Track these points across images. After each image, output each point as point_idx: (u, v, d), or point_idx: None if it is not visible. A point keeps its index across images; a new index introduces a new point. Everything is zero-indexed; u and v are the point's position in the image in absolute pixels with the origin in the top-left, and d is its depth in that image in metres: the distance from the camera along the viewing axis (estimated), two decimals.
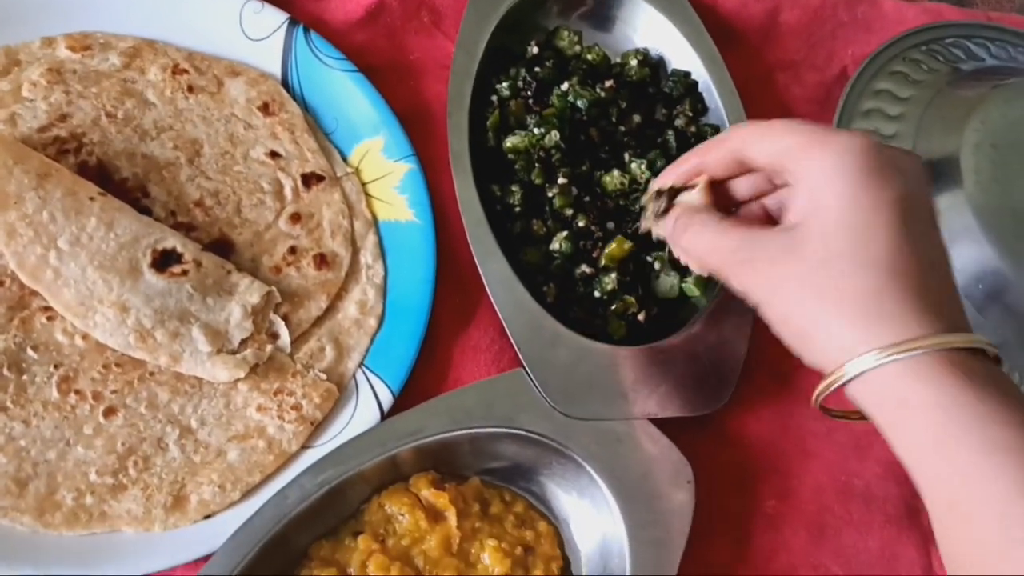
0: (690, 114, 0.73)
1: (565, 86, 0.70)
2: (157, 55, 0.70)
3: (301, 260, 0.66)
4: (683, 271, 0.68)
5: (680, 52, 0.75)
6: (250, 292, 0.63)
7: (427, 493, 0.60)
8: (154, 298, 0.60)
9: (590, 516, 0.61)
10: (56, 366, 0.60)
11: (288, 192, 0.67)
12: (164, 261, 0.62)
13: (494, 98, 0.71)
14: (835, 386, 0.45)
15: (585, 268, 0.67)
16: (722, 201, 0.55)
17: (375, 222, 0.68)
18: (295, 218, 0.67)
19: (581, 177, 0.69)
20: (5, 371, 0.59)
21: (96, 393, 0.60)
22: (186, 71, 0.70)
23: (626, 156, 0.70)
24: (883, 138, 0.74)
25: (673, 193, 0.55)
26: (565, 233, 0.67)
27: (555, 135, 0.68)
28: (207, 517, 0.58)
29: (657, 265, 0.68)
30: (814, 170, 0.47)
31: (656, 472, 0.60)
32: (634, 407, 0.62)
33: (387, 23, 0.75)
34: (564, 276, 0.67)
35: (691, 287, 0.67)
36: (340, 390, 0.62)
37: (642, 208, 0.59)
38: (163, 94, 0.69)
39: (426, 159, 0.69)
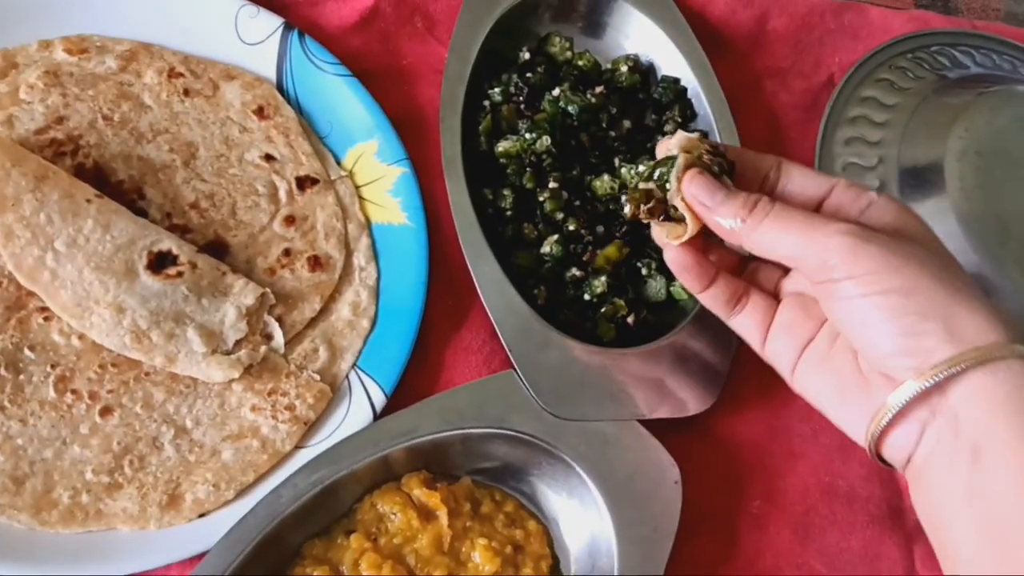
0: (679, 120, 0.74)
1: (556, 92, 0.71)
2: (153, 58, 0.71)
3: (295, 262, 0.66)
4: (671, 275, 0.69)
5: (670, 59, 0.76)
6: (245, 293, 0.63)
7: (419, 492, 0.60)
8: (150, 299, 0.61)
9: (579, 515, 0.62)
10: (53, 366, 0.61)
11: (283, 195, 0.68)
12: (160, 263, 0.62)
13: (486, 103, 0.72)
14: (971, 364, 0.45)
15: (575, 271, 0.68)
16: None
17: (368, 225, 0.69)
18: (289, 220, 0.68)
19: (572, 182, 0.70)
20: (2, 371, 0.60)
21: (92, 393, 0.60)
22: (182, 75, 0.70)
23: (616, 161, 0.71)
24: (869, 145, 0.76)
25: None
26: (556, 237, 0.68)
27: (546, 140, 0.69)
28: (201, 516, 0.59)
29: (645, 270, 0.69)
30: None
31: (644, 472, 0.61)
32: (623, 408, 0.63)
33: (381, 28, 0.76)
34: (555, 279, 0.68)
35: (679, 290, 0.69)
36: (333, 391, 0.63)
37: (657, 167, 0.54)
38: (159, 97, 0.70)
39: (419, 163, 0.70)
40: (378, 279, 0.67)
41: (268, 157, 0.69)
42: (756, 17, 0.79)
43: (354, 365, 0.64)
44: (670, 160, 0.53)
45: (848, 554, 0.65)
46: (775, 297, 0.56)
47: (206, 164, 0.68)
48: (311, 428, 0.62)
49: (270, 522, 0.58)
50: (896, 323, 0.46)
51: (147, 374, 0.61)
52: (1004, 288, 0.68)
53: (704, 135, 0.54)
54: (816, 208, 0.52)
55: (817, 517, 0.66)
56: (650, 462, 0.62)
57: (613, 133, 0.72)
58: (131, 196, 0.66)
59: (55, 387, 0.60)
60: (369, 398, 0.62)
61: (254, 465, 0.60)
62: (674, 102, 0.75)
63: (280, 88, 0.72)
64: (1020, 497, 0.44)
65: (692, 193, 0.52)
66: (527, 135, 0.69)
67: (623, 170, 0.69)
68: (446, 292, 0.68)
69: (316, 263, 0.66)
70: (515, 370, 0.63)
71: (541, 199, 0.69)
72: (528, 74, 0.73)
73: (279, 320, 0.64)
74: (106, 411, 0.60)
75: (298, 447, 0.61)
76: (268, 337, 0.64)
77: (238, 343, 0.63)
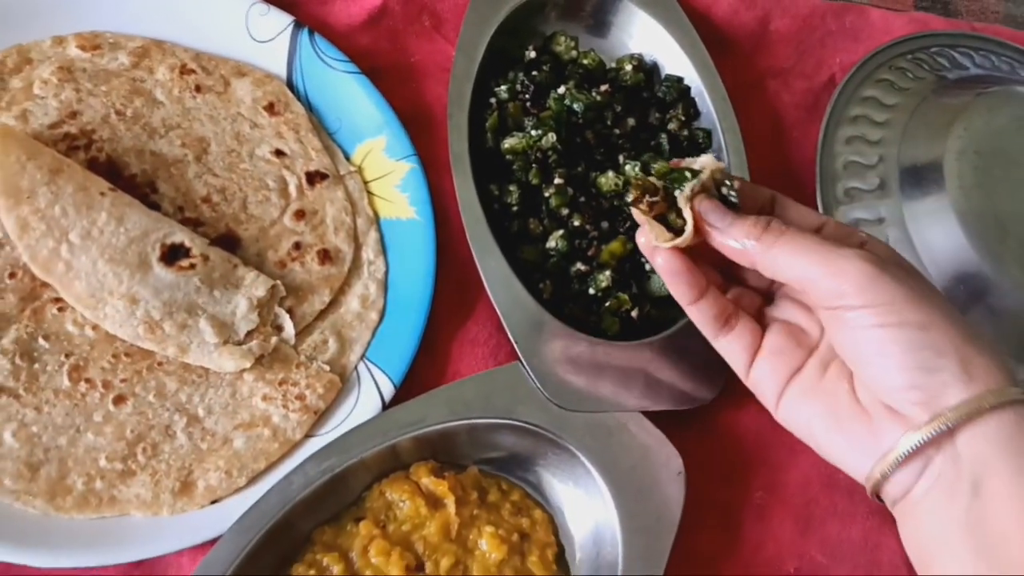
0: (683, 118, 0.75)
1: (562, 89, 0.72)
2: (165, 55, 0.72)
3: (305, 255, 0.67)
4: None
5: (673, 58, 0.77)
6: (256, 286, 0.64)
7: (427, 481, 0.61)
8: (163, 291, 0.62)
9: (584, 504, 0.63)
10: (67, 355, 0.62)
11: (293, 189, 0.69)
12: (172, 255, 0.63)
13: (493, 100, 0.73)
14: (987, 408, 0.45)
15: (580, 266, 0.69)
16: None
17: (377, 219, 0.70)
18: (299, 215, 0.69)
19: (577, 178, 0.71)
20: (18, 360, 0.61)
21: (106, 382, 0.61)
22: (193, 71, 0.71)
23: (620, 158, 0.72)
24: (869, 144, 0.77)
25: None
26: (561, 232, 0.69)
27: (552, 137, 0.70)
28: (214, 502, 0.60)
29: (649, 265, 0.70)
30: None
31: (648, 463, 0.62)
32: (627, 400, 0.64)
33: (389, 26, 0.77)
34: (560, 273, 0.69)
35: None
36: (343, 381, 0.64)
37: (671, 178, 0.54)
38: (171, 93, 0.71)
39: (427, 159, 0.71)
40: (386, 272, 0.68)
41: (278, 152, 0.70)
42: (759, 18, 0.81)
43: (363, 356, 0.65)
44: (691, 172, 0.53)
45: (849, 544, 0.66)
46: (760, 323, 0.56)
47: (218, 159, 0.69)
48: (321, 417, 0.63)
49: (281, 508, 0.58)
50: (911, 356, 0.46)
51: (160, 364, 0.62)
52: (1003, 285, 0.69)
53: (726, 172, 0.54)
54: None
55: (818, 508, 0.67)
56: (654, 453, 0.63)
57: (618, 131, 0.73)
58: (144, 190, 0.67)
59: (69, 376, 0.61)
60: (378, 388, 0.63)
61: (265, 453, 0.61)
62: (678, 100, 0.76)
63: (290, 85, 0.73)
64: (1020, 526, 0.44)
65: (704, 210, 0.52)
66: (533, 132, 0.70)
67: (627, 167, 0.70)
68: (453, 286, 0.69)
69: (326, 256, 0.67)
70: (521, 362, 0.64)
71: (547, 195, 0.70)
72: (534, 72, 0.74)
73: (289, 312, 0.65)
74: (120, 399, 0.61)
75: (308, 436, 0.62)
76: (279, 328, 0.65)
77: (249, 334, 0.64)
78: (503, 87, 0.73)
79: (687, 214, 0.52)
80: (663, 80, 0.77)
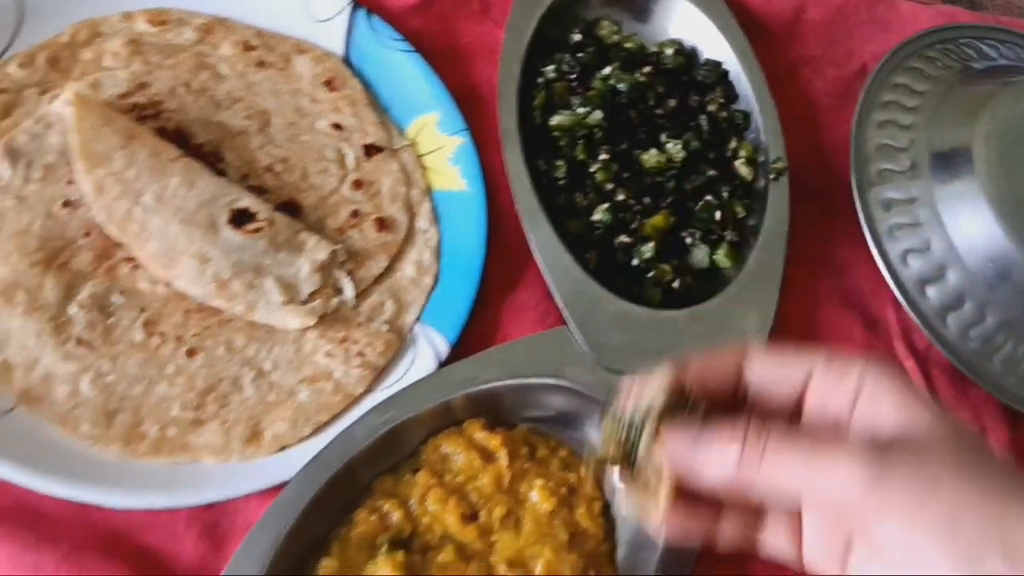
0: (722, 100, 0.78)
1: (607, 70, 0.76)
2: (229, 32, 0.75)
3: (363, 223, 0.71)
4: (714, 244, 0.73)
5: (712, 43, 0.80)
6: (318, 250, 0.68)
7: (480, 436, 0.64)
8: (231, 252, 0.65)
9: None
10: (141, 311, 0.65)
11: (350, 161, 0.73)
12: (240, 219, 0.67)
13: (540, 81, 0.77)
14: None
15: (624, 238, 0.72)
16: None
17: (430, 191, 0.73)
18: (357, 185, 0.72)
19: (621, 155, 0.74)
20: (94, 314, 0.64)
21: (178, 336, 0.64)
22: (256, 47, 0.75)
23: (663, 137, 0.75)
24: (900, 128, 0.80)
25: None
26: (606, 205, 0.72)
27: (598, 114, 0.73)
28: (280, 450, 0.62)
29: (690, 239, 0.73)
30: (887, 385, 0.43)
31: None
32: None
33: (440, 10, 0.80)
34: (604, 245, 0.72)
35: (722, 258, 0.73)
36: (400, 341, 0.67)
37: (623, 425, 0.47)
38: (235, 68, 0.74)
39: (476, 137, 0.74)
40: (439, 241, 0.71)
41: (337, 126, 0.73)
42: (794, 7, 0.84)
43: (418, 318, 0.68)
44: (637, 427, 0.46)
45: None
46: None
47: (279, 131, 0.72)
48: (380, 374, 0.66)
49: (344, 457, 0.61)
50: (947, 554, 0.39)
51: (228, 321, 0.65)
52: None
53: (675, 383, 0.47)
54: (799, 400, 0.47)
55: None
56: None
57: (659, 111, 0.76)
58: (210, 159, 0.70)
59: (143, 330, 0.64)
60: (433, 348, 0.66)
61: (328, 406, 0.64)
62: (717, 84, 0.79)
63: (346, 63, 0.76)
64: None
65: (671, 456, 0.45)
66: (579, 110, 0.74)
67: (669, 145, 0.74)
68: (502, 255, 0.72)
69: (382, 224, 0.71)
70: (568, 327, 0.67)
71: (592, 170, 0.73)
72: (579, 55, 0.77)
73: (349, 276, 0.68)
74: (191, 353, 0.64)
75: (368, 391, 0.65)
76: (339, 290, 0.68)
77: (312, 295, 0.67)
78: (550, 67, 0.76)
79: (653, 479, 0.46)
80: (702, 64, 0.80)
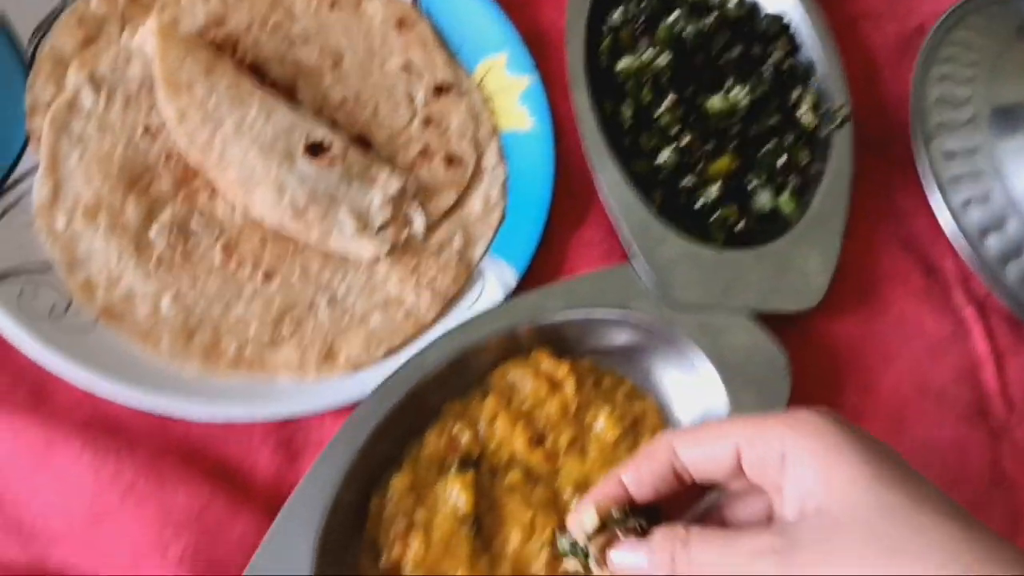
0: (785, 50, 0.79)
1: (673, 16, 0.77)
2: None
3: (432, 159, 0.72)
4: (779, 189, 0.74)
5: None
6: (390, 182, 0.69)
7: (547, 364, 0.66)
8: (307, 181, 0.67)
9: (693, 395, 0.67)
10: (219, 235, 0.66)
11: (420, 99, 0.74)
12: (315, 149, 0.68)
13: (605, 27, 0.78)
14: None
15: (689, 181, 0.73)
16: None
17: (497, 130, 0.74)
18: (426, 122, 0.73)
19: (686, 99, 0.75)
20: (174, 236, 0.65)
21: (255, 260, 0.66)
22: None
23: (727, 83, 0.76)
24: (960, 82, 0.81)
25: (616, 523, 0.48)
26: (671, 148, 0.73)
27: (664, 58, 0.74)
28: (354, 371, 0.64)
29: (754, 182, 0.74)
30: (809, 449, 0.43)
31: (755, 359, 0.66)
32: (734, 302, 0.68)
33: None
34: (669, 187, 0.73)
35: (785, 203, 0.74)
36: (468, 272, 0.68)
37: (572, 551, 0.50)
38: (308, 8, 0.75)
39: (543, 79, 0.75)
40: (507, 178, 0.73)
41: (407, 66, 0.75)
42: None
43: (486, 252, 0.70)
44: (582, 549, 0.49)
45: (938, 448, 0.69)
46: None
47: (352, 69, 0.74)
48: (450, 303, 0.67)
49: (416, 379, 0.63)
50: None
51: (303, 248, 0.67)
52: None
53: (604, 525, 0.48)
54: (738, 468, 0.46)
55: (909, 413, 0.70)
56: (760, 350, 0.67)
57: (724, 58, 0.77)
58: (284, 94, 0.72)
59: (222, 253, 0.66)
60: (501, 280, 0.68)
61: (400, 331, 0.66)
62: (779, 34, 0.80)
63: (416, 4, 0.77)
64: None
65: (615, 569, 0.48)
66: (646, 54, 0.75)
67: (733, 91, 0.74)
68: (567, 195, 0.73)
69: (451, 161, 0.72)
70: (633, 264, 0.68)
71: (657, 114, 0.74)
72: (643, 2, 0.78)
73: (419, 209, 0.70)
74: (267, 276, 0.66)
75: (438, 319, 0.67)
76: (409, 223, 0.69)
77: (383, 226, 0.68)
78: (616, 13, 0.77)
79: None
80: (764, 16, 0.81)
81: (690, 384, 0.67)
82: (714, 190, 0.72)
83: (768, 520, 0.46)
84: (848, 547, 0.40)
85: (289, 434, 0.63)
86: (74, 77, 0.68)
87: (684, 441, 0.47)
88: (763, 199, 0.74)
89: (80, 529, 0.58)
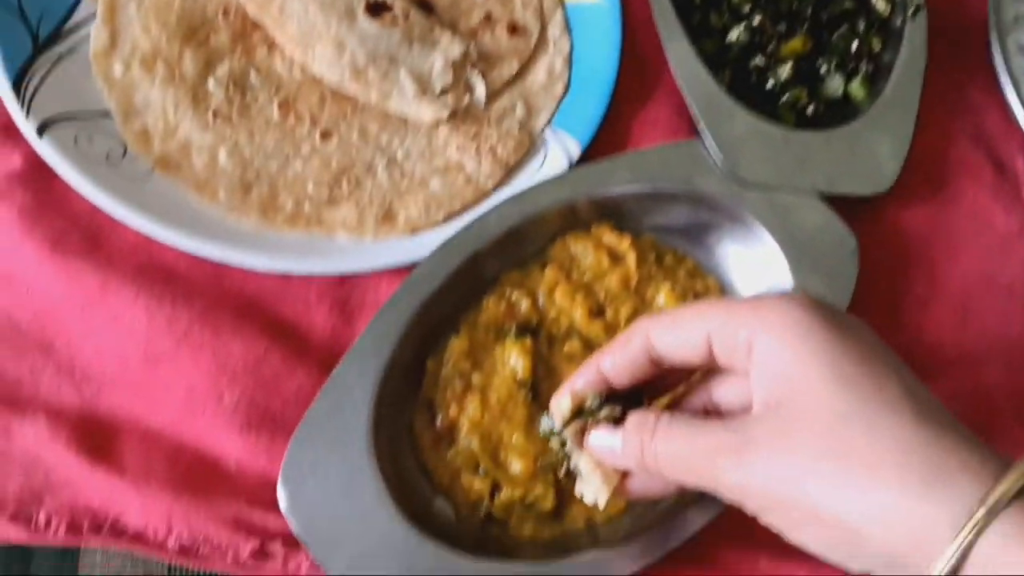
0: None
1: None
2: None
3: (495, 27, 0.70)
4: (850, 75, 0.71)
5: None
6: (451, 47, 0.67)
7: (609, 237, 0.64)
8: (367, 40, 0.65)
9: (757, 274, 0.65)
10: (276, 90, 0.65)
11: None
12: (376, 8, 0.66)
13: None
14: None
15: (759, 60, 0.70)
16: None
17: (563, 2, 0.72)
18: None
19: None
20: (231, 89, 0.64)
21: (313, 117, 0.64)
22: None
23: None
24: None
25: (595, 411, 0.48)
26: (742, 26, 0.70)
27: None
28: (413, 233, 0.62)
29: (825, 67, 0.72)
30: (774, 339, 0.41)
31: (823, 240, 0.64)
32: (804, 181, 0.66)
33: None
34: (738, 66, 0.71)
35: (856, 89, 0.71)
36: (530, 142, 0.67)
37: (550, 434, 0.50)
38: None
39: None
40: (571, 50, 0.70)
41: None
42: None
43: (549, 123, 0.68)
44: (558, 435, 0.49)
45: (1006, 340, 0.67)
46: None
47: None
48: (511, 172, 0.65)
49: (475, 245, 0.61)
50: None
51: (362, 108, 0.65)
52: None
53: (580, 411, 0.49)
54: (711, 354, 0.45)
55: (975, 307, 0.68)
56: (829, 232, 0.65)
57: None
58: None
59: (279, 109, 0.64)
60: (565, 151, 0.66)
61: (460, 196, 0.64)
62: None
63: None
64: None
65: (593, 452, 0.48)
66: None
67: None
68: (633, 70, 0.71)
69: (514, 29, 0.70)
70: (701, 140, 0.66)
71: None
72: None
73: (480, 76, 0.68)
74: (325, 135, 0.64)
75: (498, 187, 0.65)
76: (470, 89, 0.67)
77: (444, 91, 0.66)
78: None
79: (589, 468, 0.49)
80: None
81: (754, 264, 0.65)
82: (785, 71, 0.70)
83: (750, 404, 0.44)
84: (801, 450, 0.39)
85: (345, 294, 0.62)
86: None
87: (658, 327, 0.46)
88: (834, 84, 0.72)
89: (134, 372, 0.57)
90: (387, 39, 0.65)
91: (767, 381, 0.41)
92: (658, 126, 0.70)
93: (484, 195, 0.65)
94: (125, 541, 0.54)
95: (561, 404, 0.48)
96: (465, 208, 0.64)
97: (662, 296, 0.63)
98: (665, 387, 0.50)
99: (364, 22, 0.65)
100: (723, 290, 0.66)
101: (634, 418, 0.46)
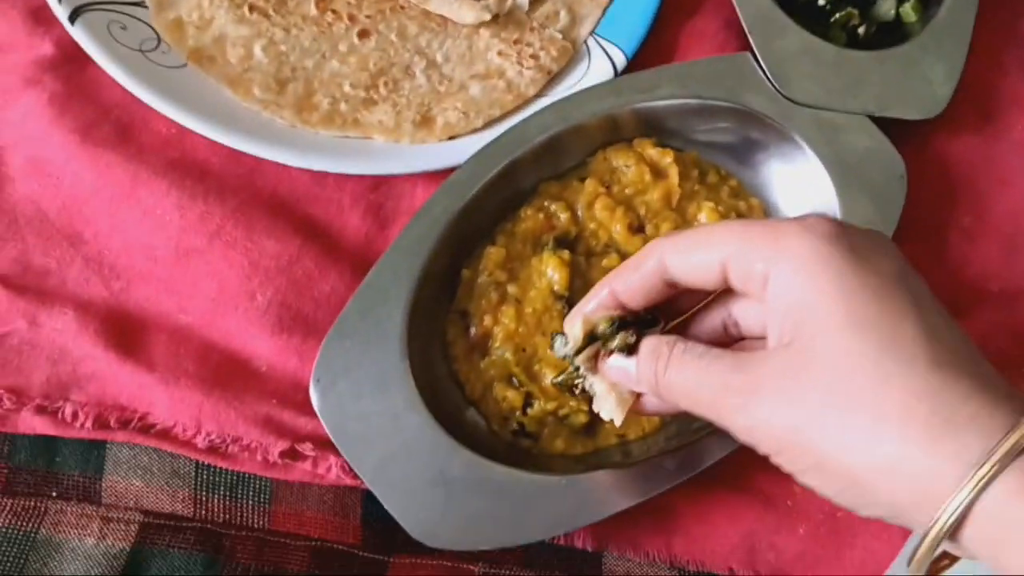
0: None
1: None
2: None
3: None
4: None
5: None
6: None
7: (651, 151, 0.62)
8: None
9: (803, 196, 0.63)
10: None
11: None
12: None
13: None
14: (940, 544, 0.36)
15: None
16: None
17: None
18: None
19: None
20: None
21: (351, 15, 0.62)
22: None
23: None
24: None
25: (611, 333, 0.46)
26: None
27: None
28: (451, 138, 0.61)
29: None
30: (788, 273, 0.39)
31: (871, 162, 0.62)
32: (854, 102, 0.64)
33: None
34: None
35: (909, 12, 0.69)
36: (574, 50, 0.64)
37: (563, 357, 0.48)
38: None
39: None
40: None
41: None
42: None
43: (593, 32, 0.65)
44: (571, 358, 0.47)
45: None
46: None
47: None
48: (553, 79, 0.63)
49: (514, 152, 0.60)
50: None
51: (402, 7, 0.63)
52: None
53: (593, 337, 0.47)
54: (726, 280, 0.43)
55: (1022, 241, 0.67)
56: (877, 154, 0.63)
57: None
58: None
59: (316, 5, 0.62)
60: (610, 60, 0.63)
61: (500, 102, 0.62)
62: None
63: None
64: None
65: (612, 376, 0.47)
66: None
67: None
68: None
69: None
70: (753, 53, 0.64)
71: None
72: None
73: None
74: (364, 33, 0.62)
75: (540, 95, 0.63)
76: None
77: None
78: None
79: (604, 388, 0.47)
80: None
81: (799, 185, 0.63)
82: None
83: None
84: (807, 396, 0.37)
85: (380, 199, 0.60)
86: None
87: (672, 249, 0.44)
88: (886, 6, 0.69)
89: (164, 268, 0.56)
90: None
91: (780, 318, 0.39)
92: (706, 38, 0.68)
93: (524, 102, 0.63)
94: (153, 438, 0.53)
95: (574, 329, 0.46)
96: (505, 115, 0.62)
97: (704, 215, 0.62)
98: (682, 307, 0.48)
99: None
100: (767, 211, 0.64)
101: (648, 345, 0.44)
